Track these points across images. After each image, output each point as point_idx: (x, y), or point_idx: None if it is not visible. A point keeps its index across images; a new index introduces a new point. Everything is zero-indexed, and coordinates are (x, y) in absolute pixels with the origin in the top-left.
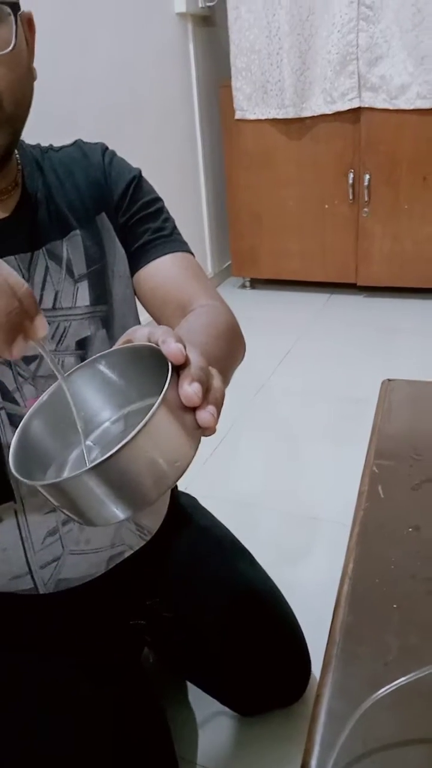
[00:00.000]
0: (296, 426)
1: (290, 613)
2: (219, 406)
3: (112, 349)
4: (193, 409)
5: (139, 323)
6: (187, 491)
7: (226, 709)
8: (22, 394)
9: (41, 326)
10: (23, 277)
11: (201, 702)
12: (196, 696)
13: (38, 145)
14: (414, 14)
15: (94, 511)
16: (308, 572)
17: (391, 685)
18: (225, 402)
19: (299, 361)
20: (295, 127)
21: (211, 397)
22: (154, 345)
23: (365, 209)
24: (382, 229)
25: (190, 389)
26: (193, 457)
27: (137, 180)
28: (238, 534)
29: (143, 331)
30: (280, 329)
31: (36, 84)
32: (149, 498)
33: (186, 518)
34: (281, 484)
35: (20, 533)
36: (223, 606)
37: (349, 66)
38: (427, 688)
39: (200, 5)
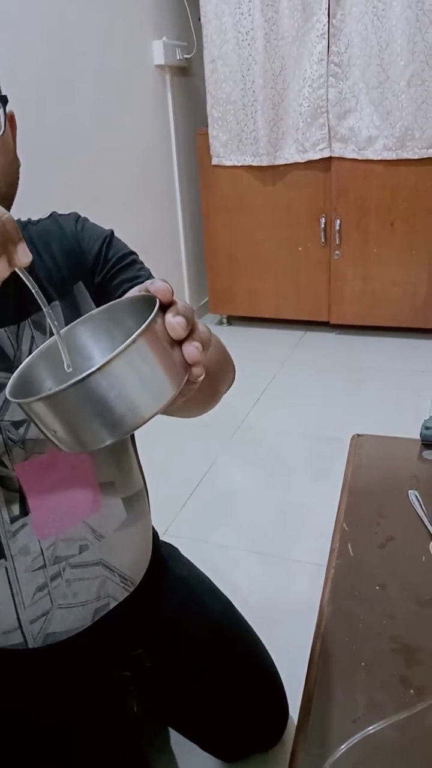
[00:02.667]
0: (272, 466)
1: (268, 659)
2: (205, 345)
3: (107, 305)
4: (180, 347)
5: None
6: (167, 533)
7: (208, 755)
8: (11, 456)
9: (24, 253)
10: (11, 347)
11: (183, 748)
12: (178, 742)
13: (18, 219)
14: (379, 73)
15: (82, 430)
16: (285, 613)
17: (357, 736)
18: (204, 440)
19: (275, 399)
20: (270, 173)
21: (196, 335)
22: (144, 292)
23: (337, 252)
24: (353, 270)
25: (174, 320)
26: (174, 395)
27: (109, 239)
28: (217, 576)
29: (140, 286)
30: (257, 365)
31: (22, 130)
32: (129, 421)
33: (167, 569)
34: (258, 526)
35: (11, 589)
36: (204, 655)
37: (319, 118)
38: (390, 739)
39: (178, 57)
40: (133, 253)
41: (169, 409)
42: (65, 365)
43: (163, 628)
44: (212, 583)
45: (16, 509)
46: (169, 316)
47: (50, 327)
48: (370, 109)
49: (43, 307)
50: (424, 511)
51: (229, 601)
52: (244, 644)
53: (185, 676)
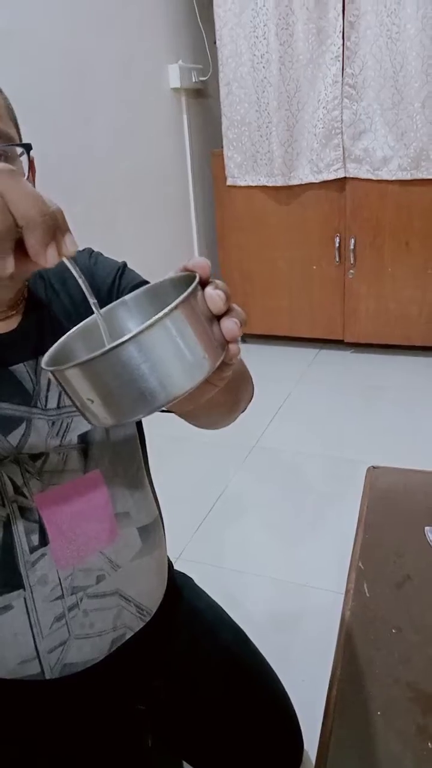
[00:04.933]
0: (287, 489)
1: (283, 693)
2: (242, 323)
3: (146, 286)
4: (218, 323)
5: (140, 427)
6: (180, 558)
7: None
8: (29, 488)
9: (72, 243)
10: (30, 381)
11: None
12: None
13: None
14: (393, 94)
15: (114, 401)
16: (300, 642)
17: None
18: (218, 462)
19: (291, 418)
20: (284, 193)
21: (234, 312)
22: (181, 272)
23: (351, 271)
24: (367, 289)
25: (214, 292)
26: (210, 371)
27: (122, 270)
28: (231, 603)
29: (178, 268)
30: (272, 383)
31: (42, 155)
32: (161, 395)
33: (182, 599)
34: (273, 551)
35: (29, 619)
36: (218, 688)
37: (334, 139)
38: None
39: (194, 80)
40: (146, 282)
41: (195, 411)
42: (105, 342)
43: (178, 661)
44: (227, 614)
45: (35, 539)
46: (210, 289)
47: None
48: (384, 130)
49: (85, 290)
50: None
51: (244, 634)
52: (259, 678)
53: (199, 709)
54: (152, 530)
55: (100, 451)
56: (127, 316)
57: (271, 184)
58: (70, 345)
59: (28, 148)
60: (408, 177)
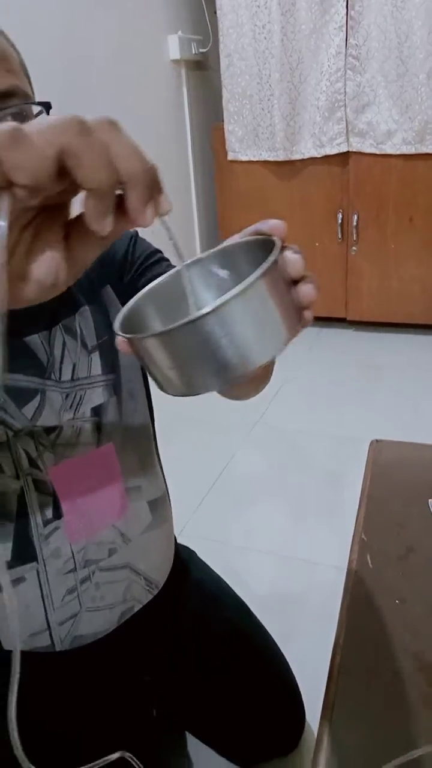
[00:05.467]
0: (290, 466)
1: (284, 664)
2: (316, 285)
3: (218, 248)
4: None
5: (147, 387)
6: (183, 533)
7: (224, 760)
8: (43, 461)
9: (167, 202)
10: (45, 353)
11: (201, 753)
12: (195, 747)
13: None
14: (398, 65)
15: (190, 373)
16: (304, 616)
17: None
18: (221, 439)
19: (293, 396)
20: (286, 168)
21: (309, 276)
22: (255, 234)
23: (354, 247)
24: (370, 267)
25: (294, 256)
26: (289, 341)
27: (135, 239)
28: (233, 578)
29: (250, 228)
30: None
31: None
32: (241, 367)
33: (186, 572)
34: (276, 527)
35: (41, 592)
36: (221, 660)
37: (337, 112)
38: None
39: (193, 51)
40: (158, 251)
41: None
42: (188, 306)
43: (183, 633)
44: (229, 586)
45: (49, 513)
46: (289, 253)
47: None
48: (388, 102)
49: (177, 251)
50: None
51: (246, 606)
52: (261, 649)
53: (203, 680)
54: (161, 504)
55: (113, 425)
56: (199, 280)
57: (272, 159)
58: (141, 308)
59: (47, 107)
60: (412, 151)
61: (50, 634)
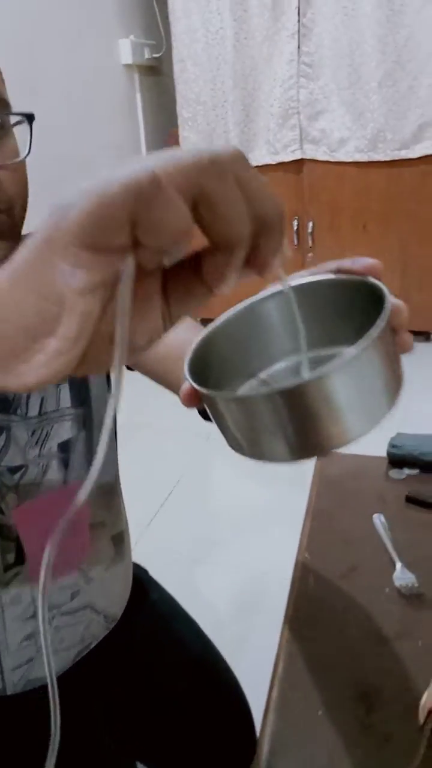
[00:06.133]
0: (246, 475)
1: (234, 683)
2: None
3: (308, 280)
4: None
5: (115, 428)
6: (136, 547)
7: None
8: (6, 503)
9: (287, 247)
10: None
11: None
12: None
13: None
14: (350, 73)
15: (266, 442)
16: (256, 631)
17: None
18: (176, 448)
19: None
20: None
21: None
22: (337, 272)
23: (309, 254)
24: None
25: (398, 302)
26: (393, 407)
27: None
28: (187, 592)
29: (329, 265)
30: None
31: None
32: (344, 437)
33: (140, 597)
34: (231, 538)
35: None
36: (172, 686)
37: (290, 119)
38: None
39: (146, 56)
40: None
41: None
42: (268, 344)
43: (135, 661)
44: (180, 606)
45: (11, 557)
46: (392, 298)
47: None
48: (341, 110)
49: (282, 285)
50: (388, 537)
51: (197, 627)
52: (212, 670)
53: (153, 707)
54: (123, 536)
55: (81, 461)
56: (276, 316)
57: None
58: (211, 347)
59: (30, 118)
60: (365, 159)
61: (2, 679)
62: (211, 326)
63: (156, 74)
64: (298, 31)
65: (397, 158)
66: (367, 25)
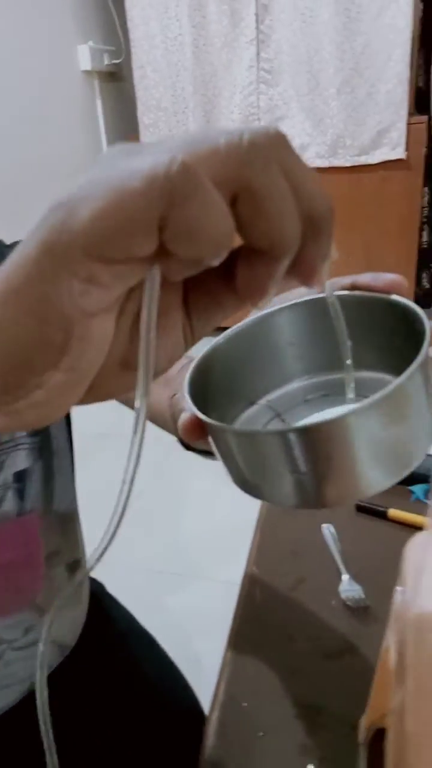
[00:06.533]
0: (205, 484)
1: (194, 704)
2: None
3: (337, 293)
4: None
5: (71, 439)
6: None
7: None
8: None
9: (334, 249)
10: None
11: None
12: None
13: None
14: (309, 80)
15: (276, 486)
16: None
17: None
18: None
19: None
20: None
21: None
22: (353, 288)
23: None
24: None
25: None
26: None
27: None
28: (147, 603)
29: (345, 280)
30: None
31: None
32: (370, 485)
33: (96, 615)
34: (191, 549)
35: None
36: (123, 704)
37: (251, 125)
38: None
39: (106, 62)
40: None
41: None
42: (281, 364)
43: (92, 687)
44: (137, 622)
45: None
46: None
47: None
48: (301, 116)
49: (336, 319)
50: (337, 548)
51: (151, 639)
52: (167, 687)
53: (106, 728)
54: (80, 562)
55: (37, 489)
56: (290, 332)
57: None
58: (215, 363)
59: None
60: (326, 164)
61: None
62: (214, 342)
63: (116, 80)
64: (257, 37)
65: (357, 164)
66: (324, 32)
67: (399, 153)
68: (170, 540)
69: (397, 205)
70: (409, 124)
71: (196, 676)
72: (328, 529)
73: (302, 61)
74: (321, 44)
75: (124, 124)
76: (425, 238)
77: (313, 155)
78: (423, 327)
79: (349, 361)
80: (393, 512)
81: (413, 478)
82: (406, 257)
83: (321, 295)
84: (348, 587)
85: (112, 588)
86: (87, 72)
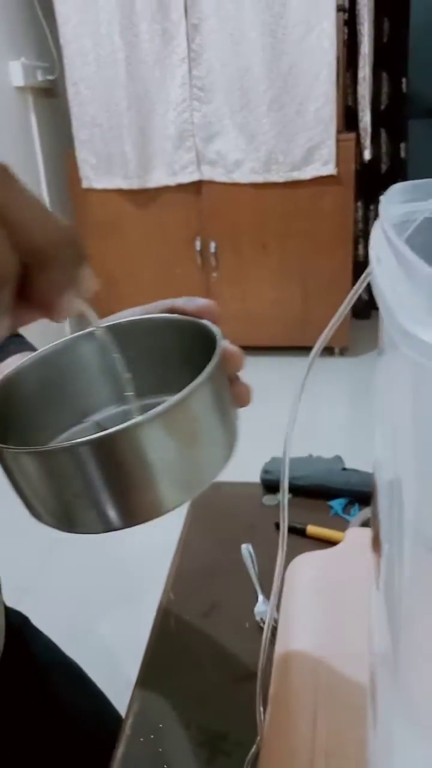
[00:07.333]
0: None
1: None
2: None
3: (132, 318)
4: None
5: None
6: (25, 595)
7: None
8: None
9: (91, 278)
10: None
11: None
12: None
13: None
14: (241, 97)
15: (79, 507)
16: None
17: None
18: None
19: None
20: (142, 196)
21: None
22: (170, 312)
23: (214, 273)
24: (230, 291)
25: (234, 348)
26: (227, 462)
27: None
28: (77, 637)
29: (161, 304)
30: None
31: None
32: (166, 502)
33: (17, 648)
34: (122, 574)
35: None
36: (47, 741)
37: (186, 141)
38: None
39: (40, 78)
40: None
41: None
42: (84, 388)
43: (9, 721)
44: (61, 652)
45: None
46: (227, 343)
47: None
48: (235, 132)
49: (94, 324)
50: (254, 569)
51: (79, 671)
52: (92, 718)
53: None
54: None
55: None
56: (95, 358)
57: (127, 187)
58: (14, 387)
59: None
60: (260, 180)
61: None
62: (16, 368)
63: (52, 96)
64: (188, 55)
65: (290, 179)
66: (253, 51)
67: (330, 169)
68: (98, 564)
69: (331, 219)
70: (338, 141)
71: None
72: (247, 549)
73: (233, 78)
74: (251, 63)
75: (60, 139)
76: (361, 251)
77: (248, 171)
78: (217, 349)
79: (131, 393)
80: (312, 529)
81: (331, 493)
82: (342, 270)
83: (134, 319)
84: (263, 608)
85: (36, 618)
86: (20, 88)
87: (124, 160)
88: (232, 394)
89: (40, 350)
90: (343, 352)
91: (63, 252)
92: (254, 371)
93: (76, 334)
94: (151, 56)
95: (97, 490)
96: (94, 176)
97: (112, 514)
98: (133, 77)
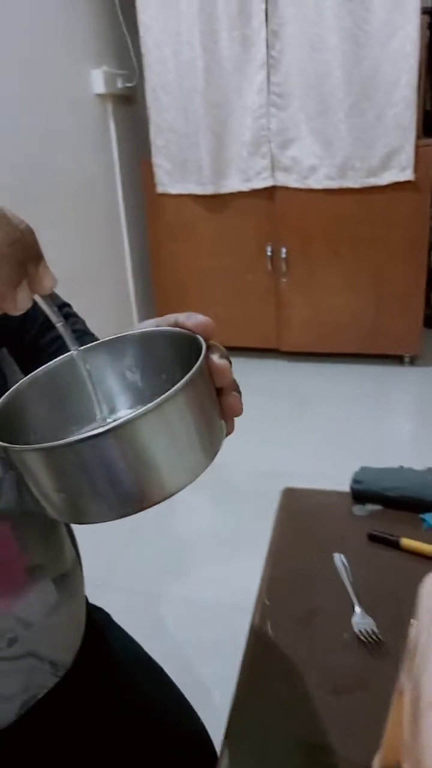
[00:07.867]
0: (212, 504)
1: (200, 730)
2: (239, 393)
3: (128, 332)
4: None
5: None
6: (102, 586)
7: None
8: None
9: (48, 276)
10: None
11: None
12: None
13: None
14: (318, 103)
15: (85, 499)
16: (225, 670)
17: None
18: None
19: None
20: (215, 202)
21: (233, 383)
22: (174, 326)
23: (283, 279)
24: (300, 298)
25: (222, 362)
26: (209, 464)
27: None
28: (153, 630)
29: (167, 318)
30: None
31: None
32: (153, 494)
33: (100, 644)
34: (193, 572)
35: None
36: (131, 735)
37: (262, 147)
38: None
39: (119, 85)
40: (66, 305)
41: None
42: (97, 412)
43: (92, 713)
44: (143, 650)
45: None
46: (216, 357)
47: None
48: (311, 138)
49: (71, 346)
50: (348, 578)
51: (159, 669)
52: (174, 717)
53: (114, 759)
54: (70, 578)
55: (10, 497)
56: (101, 369)
57: (200, 193)
58: (25, 398)
59: None
60: (335, 186)
61: None
62: (27, 378)
63: (130, 103)
64: (267, 62)
65: (366, 185)
66: (333, 57)
67: (407, 175)
68: (172, 564)
69: (406, 226)
70: (417, 146)
71: (203, 702)
72: (339, 559)
73: (311, 85)
74: (330, 69)
75: (137, 145)
76: None
77: (323, 177)
78: (199, 362)
79: (101, 414)
80: (406, 542)
81: (423, 506)
82: (415, 278)
83: (142, 331)
84: (360, 620)
85: (116, 613)
86: (100, 95)
87: (198, 166)
88: (224, 405)
89: (43, 367)
90: (413, 361)
91: (15, 252)
92: (323, 380)
93: (71, 352)
94: (230, 63)
95: (93, 481)
96: (169, 182)
97: (106, 502)
98: (210, 84)
